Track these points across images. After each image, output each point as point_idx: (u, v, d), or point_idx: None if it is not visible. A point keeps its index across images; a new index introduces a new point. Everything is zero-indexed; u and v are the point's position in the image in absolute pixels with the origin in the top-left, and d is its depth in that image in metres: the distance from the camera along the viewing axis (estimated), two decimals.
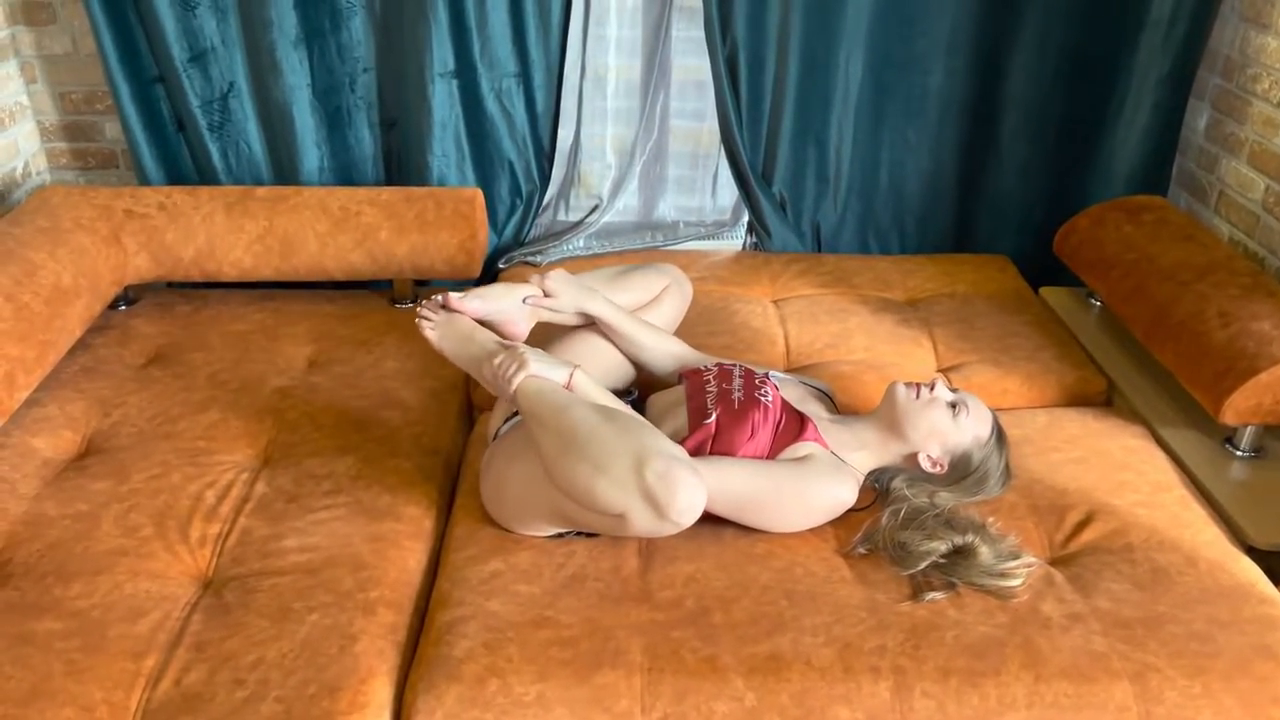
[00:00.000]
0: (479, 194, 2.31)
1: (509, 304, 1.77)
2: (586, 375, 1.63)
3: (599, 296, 1.82)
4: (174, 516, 1.66)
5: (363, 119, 2.44)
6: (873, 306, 2.35)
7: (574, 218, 2.58)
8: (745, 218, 2.61)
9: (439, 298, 1.73)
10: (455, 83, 2.34)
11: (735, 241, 2.66)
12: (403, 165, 2.47)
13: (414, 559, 1.63)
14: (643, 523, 1.42)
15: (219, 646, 1.43)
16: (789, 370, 2.14)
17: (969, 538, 1.59)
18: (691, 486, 1.40)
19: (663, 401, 1.79)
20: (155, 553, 1.60)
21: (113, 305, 2.29)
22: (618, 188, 2.56)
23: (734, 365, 1.81)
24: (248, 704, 1.34)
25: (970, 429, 1.72)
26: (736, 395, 1.71)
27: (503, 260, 2.50)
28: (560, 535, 1.63)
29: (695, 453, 1.64)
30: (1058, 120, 2.51)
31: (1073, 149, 2.53)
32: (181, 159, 2.48)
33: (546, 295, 1.78)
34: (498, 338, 1.71)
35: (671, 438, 1.67)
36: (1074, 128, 2.51)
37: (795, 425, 1.70)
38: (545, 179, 2.53)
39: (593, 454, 1.44)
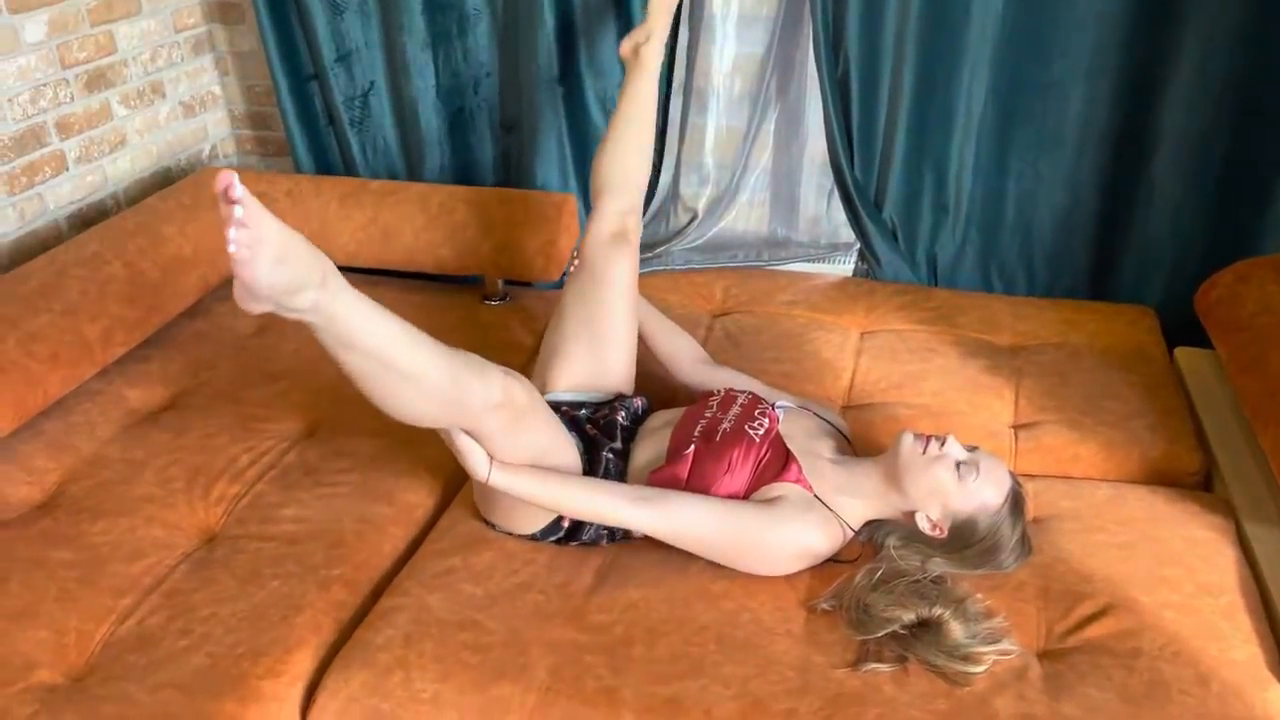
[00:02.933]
0: (570, 199, 2.36)
1: None
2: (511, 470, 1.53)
3: None
4: (206, 474, 1.83)
5: (484, 121, 2.54)
6: (966, 349, 2.17)
7: (674, 230, 2.56)
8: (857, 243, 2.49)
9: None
10: (560, 89, 2.39)
11: (846, 267, 2.53)
12: (519, 168, 2.56)
13: (390, 544, 1.69)
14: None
15: (186, 597, 1.56)
16: (846, 406, 2.03)
17: (937, 611, 1.45)
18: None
19: (657, 421, 1.75)
20: (177, 504, 1.76)
21: None
22: (716, 205, 2.51)
23: (741, 393, 1.75)
24: (183, 654, 1.46)
25: (977, 494, 1.56)
26: (725, 426, 1.65)
27: None
28: (552, 533, 1.64)
29: (666, 484, 1.60)
30: (1222, 159, 2.19)
31: (1240, 193, 2.21)
32: (330, 151, 2.69)
33: None
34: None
35: (648, 465, 1.65)
36: (1242, 169, 2.19)
37: (777, 464, 1.61)
38: (650, 187, 2.53)
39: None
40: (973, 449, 1.61)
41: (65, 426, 1.92)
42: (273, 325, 2.31)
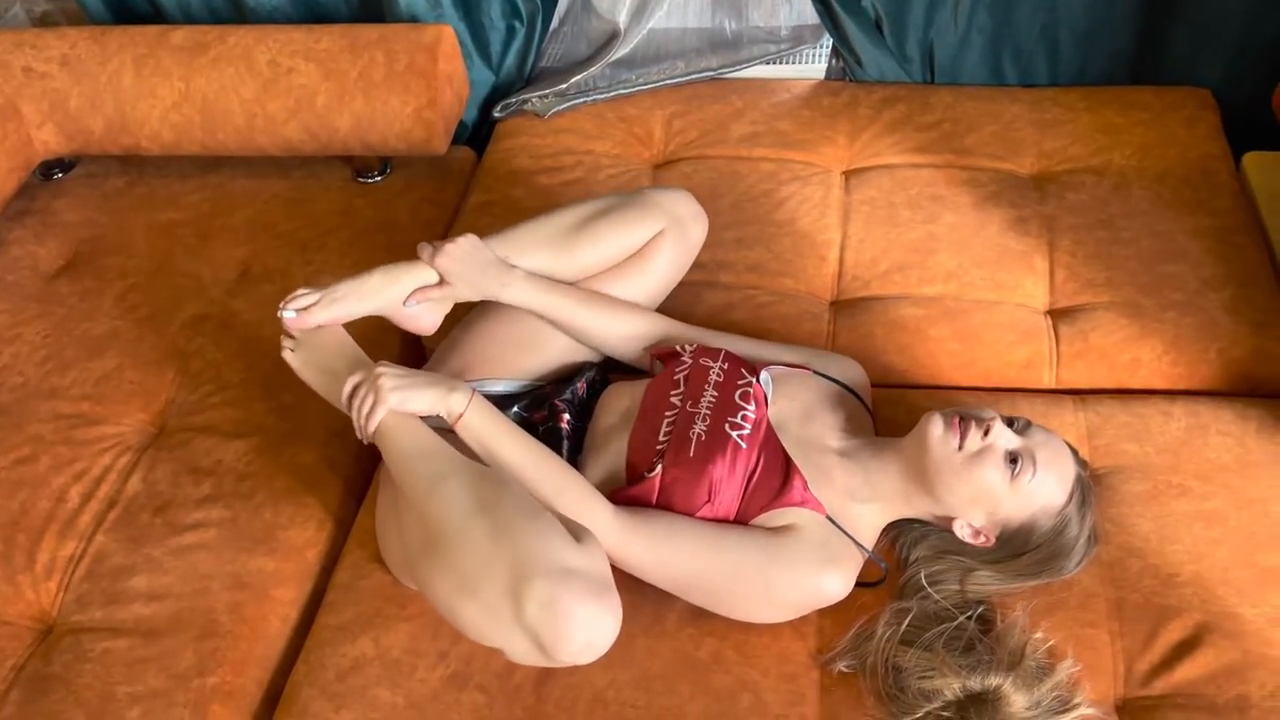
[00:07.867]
0: (446, 34, 1.75)
1: (387, 302, 1.30)
2: (486, 406, 1.17)
3: (518, 277, 1.31)
4: (26, 528, 1.40)
5: None
6: (982, 191, 1.69)
7: (591, 45, 1.95)
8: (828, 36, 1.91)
9: (292, 305, 1.27)
10: None
11: (818, 67, 1.97)
12: None
13: (278, 619, 1.31)
14: (526, 659, 1.04)
15: None
16: (835, 302, 1.59)
17: (993, 680, 1.12)
18: (589, 620, 0.99)
19: (612, 412, 1.32)
20: None
21: (47, 173, 1.94)
22: (642, 10, 1.89)
23: (713, 362, 1.30)
24: None
25: (1036, 495, 1.18)
26: (699, 429, 1.22)
27: (499, 107, 1.94)
28: None
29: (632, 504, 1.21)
30: None
31: None
32: None
33: (442, 283, 1.30)
34: (362, 355, 1.27)
35: (605, 485, 1.24)
36: None
37: (775, 480, 1.21)
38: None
39: (459, 563, 1.03)
40: (1024, 428, 1.21)
41: None
42: (83, 256, 1.78)
